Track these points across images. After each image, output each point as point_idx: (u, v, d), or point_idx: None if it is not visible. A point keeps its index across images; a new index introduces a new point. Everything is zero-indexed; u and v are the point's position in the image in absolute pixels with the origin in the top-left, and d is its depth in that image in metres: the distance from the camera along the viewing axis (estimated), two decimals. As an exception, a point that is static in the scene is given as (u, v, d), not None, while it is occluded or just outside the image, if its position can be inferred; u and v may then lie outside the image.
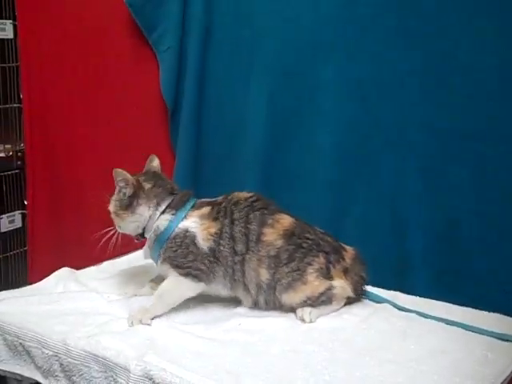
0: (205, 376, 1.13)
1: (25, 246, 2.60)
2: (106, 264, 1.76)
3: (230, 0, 2.07)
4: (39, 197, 2.54)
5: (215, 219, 1.45)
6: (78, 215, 2.42)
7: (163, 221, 1.45)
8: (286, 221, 1.47)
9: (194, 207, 1.48)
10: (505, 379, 1.12)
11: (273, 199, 1.52)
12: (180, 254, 1.42)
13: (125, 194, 1.46)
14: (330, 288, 1.44)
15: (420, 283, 1.76)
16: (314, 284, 1.42)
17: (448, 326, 1.36)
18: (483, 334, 1.30)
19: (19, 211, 2.60)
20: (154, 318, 1.40)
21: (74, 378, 1.28)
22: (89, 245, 1.51)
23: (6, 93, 2.50)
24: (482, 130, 1.69)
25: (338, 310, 1.46)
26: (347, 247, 1.53)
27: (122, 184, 1.46)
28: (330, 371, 1.16)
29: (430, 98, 1.76)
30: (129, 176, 1.46)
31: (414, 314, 1.42)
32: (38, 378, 1.35)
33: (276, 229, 1.45)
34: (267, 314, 1.44)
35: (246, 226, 1.44)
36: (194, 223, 1.44)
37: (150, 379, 1.15)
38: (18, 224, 2.60)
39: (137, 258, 1.69)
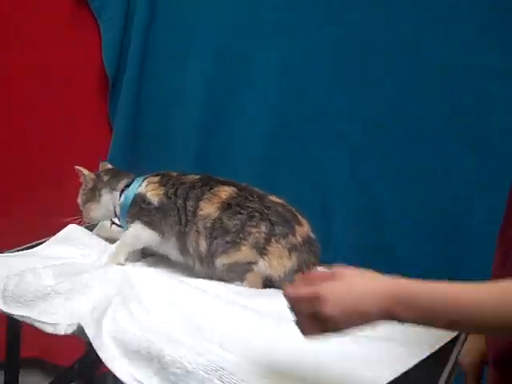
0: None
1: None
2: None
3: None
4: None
5: (162, 185, 1.56)
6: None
7: (123, 197, 1.60)
8: (225, 192, 1.50)
9: (144, 179, 1.60)
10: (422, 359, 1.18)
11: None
12: (137, 211, 1.56)
13: (86, 187, 1.65)
14: (253, 262, 1.45)
15: (340, 263, 1.87)
16: (244, 253, 1.45)
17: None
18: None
19: None
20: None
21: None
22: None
23: None
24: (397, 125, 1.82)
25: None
26: (304, 222, 1.50)
27: (83, 180, 1.65)
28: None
29: (354, 89, 1.86)
30: (86, 172, 1.64)
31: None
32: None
33: (212, 202, 1.49)
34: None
35: (184, 201, 1.52)
36: (143, 188, 1.58)
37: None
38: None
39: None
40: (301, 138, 1.96)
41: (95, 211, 1.65)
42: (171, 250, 1.56)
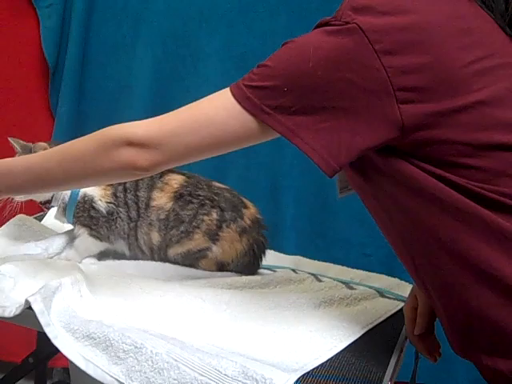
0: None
1: None
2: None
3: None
4: None
5: (109, 184, 1.50)
6: None
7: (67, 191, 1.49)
8: (175, 181, 1.49)
9: None
10: (375, 325, 1.28)
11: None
12: (85, 217, 1.49)
13: None
14: (207, 248, 1.48)
15: (290, 246, 1.92)
16: (197, 241, 1.47)
17: (338, 283, 1.51)
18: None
19: None
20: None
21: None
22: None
23: None
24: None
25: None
26: (250, 205, 1.54)
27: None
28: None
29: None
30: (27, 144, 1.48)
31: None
32: None
33: (165, 191, 1.48)
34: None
35: (135, 193, 1.49)
36: (91, 188, 1.49)
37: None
38: None
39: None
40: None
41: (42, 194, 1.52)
42: (120, 248, 1.54)
